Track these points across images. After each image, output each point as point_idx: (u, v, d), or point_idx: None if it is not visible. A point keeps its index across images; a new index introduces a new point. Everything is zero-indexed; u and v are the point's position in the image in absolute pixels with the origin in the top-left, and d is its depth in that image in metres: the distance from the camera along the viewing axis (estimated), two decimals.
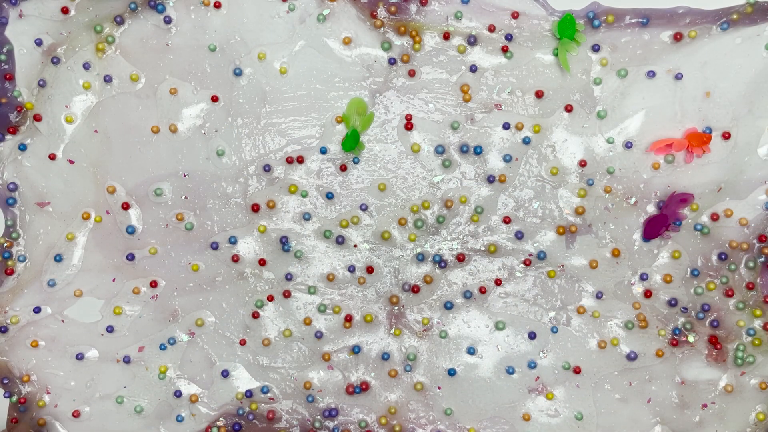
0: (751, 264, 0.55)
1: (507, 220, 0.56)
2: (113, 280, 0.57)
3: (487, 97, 0.55)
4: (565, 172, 0.56)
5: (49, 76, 0.56)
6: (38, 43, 0.55)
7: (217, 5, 0.55)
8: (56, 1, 0.55)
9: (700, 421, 0.56)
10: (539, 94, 0.55)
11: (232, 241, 0.57)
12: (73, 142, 0.56)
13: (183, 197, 0.57)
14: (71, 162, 0.56)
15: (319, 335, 0.57)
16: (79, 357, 0.57)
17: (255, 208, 0.56)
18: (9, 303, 0.57)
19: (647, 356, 0.56)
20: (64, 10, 0.55)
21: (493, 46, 0.55)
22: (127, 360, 0.57)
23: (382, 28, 0.55)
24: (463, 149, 0.56)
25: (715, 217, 0.55)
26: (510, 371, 0.56)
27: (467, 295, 0.56)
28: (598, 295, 0.56)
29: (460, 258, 0.56)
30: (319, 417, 0.57)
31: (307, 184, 0.56)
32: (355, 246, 0.57)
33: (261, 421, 0.58)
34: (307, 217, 0.56)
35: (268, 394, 0.58)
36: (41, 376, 0.57)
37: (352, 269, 0.57)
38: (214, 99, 0.56)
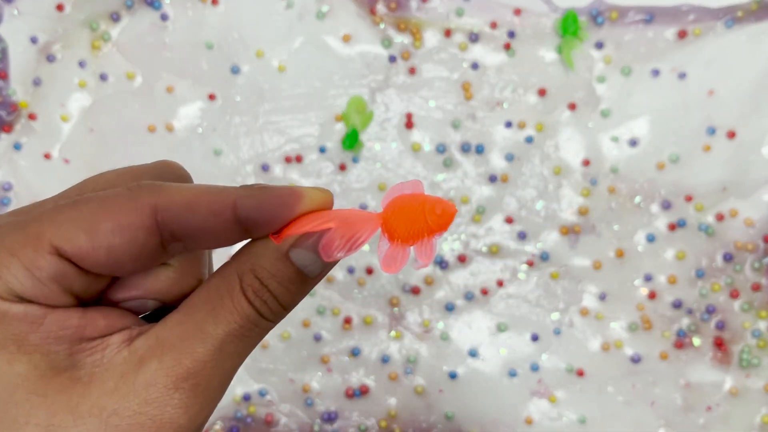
0: (757, 265, 0.55)
1: (509, 220, 0.56)
2: None
3: (488, 95, 0.55)
4: (569, 171, 0.55)
5: (44, 74, 0.56)
6: (33, 40, 0.55)
7: (215, 2, 0.55)
8: None
9: (705, 423, 0.55)
10: (542, 92, 0.55)
11: None
12: (69, 141, 0.56)
13: None
14: (67, 161, 0.56)
15: (317, 337, 0.57)
16: None
17: None
18: None
19: (651, 358, 0.56)
20: (60, 8, 0.55)
21: (495, 44, 0.55)
22: None
23: (382, 25, 0.55)
24: (465, 148, 0.55)
25: (720, 218, 0.55)
26: (512, 374, 0.56)
27: (469, 296, 0.56)
28: (602, 297, 0.56)
29: (462, 259, 0.56)
30: (318, 420, 0.57)
31: (306, 183, 0.56)
32: None
33: (259, 425, 0.57)
34: None
35: (267, 397, 0.57)
36: None
37: (351, 270, 0.57)
38: (212, 97, 0.55)
